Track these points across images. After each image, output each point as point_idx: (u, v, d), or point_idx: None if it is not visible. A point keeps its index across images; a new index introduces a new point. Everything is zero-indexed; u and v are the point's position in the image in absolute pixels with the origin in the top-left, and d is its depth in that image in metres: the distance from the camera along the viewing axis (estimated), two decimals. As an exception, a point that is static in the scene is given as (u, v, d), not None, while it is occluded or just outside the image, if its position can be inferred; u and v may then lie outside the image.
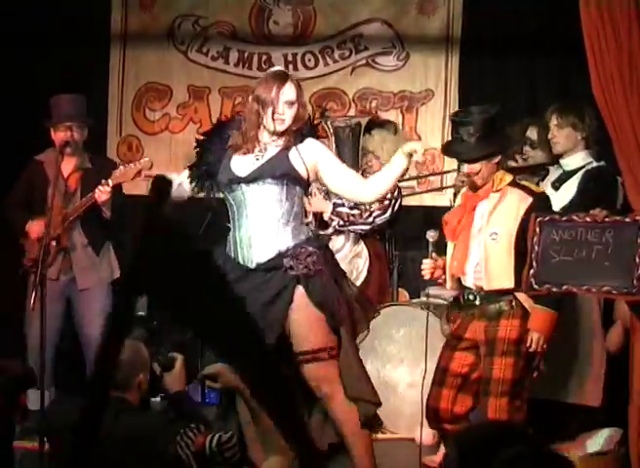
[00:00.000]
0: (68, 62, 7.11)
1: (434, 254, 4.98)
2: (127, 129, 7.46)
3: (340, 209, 6.37)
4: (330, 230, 6.53)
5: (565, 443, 5.11)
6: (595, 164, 5.46)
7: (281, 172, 4.64)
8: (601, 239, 4.26)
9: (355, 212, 6.33)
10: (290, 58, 7.33)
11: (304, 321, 4.56)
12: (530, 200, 4.76)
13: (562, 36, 6.61)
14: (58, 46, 7.12)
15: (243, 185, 4.66)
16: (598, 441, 5.04)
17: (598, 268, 4.24)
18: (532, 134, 5.92)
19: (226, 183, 4.70)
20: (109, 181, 5.86)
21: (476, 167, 4.82)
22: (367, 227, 6.34)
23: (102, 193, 5.85)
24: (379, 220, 6.32)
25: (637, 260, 4.23)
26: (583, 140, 5.47)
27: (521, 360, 4.75)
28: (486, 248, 4.81)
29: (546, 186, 5.60)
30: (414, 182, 7.21)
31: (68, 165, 6.05)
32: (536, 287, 4.34)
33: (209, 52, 7.40)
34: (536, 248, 4.29)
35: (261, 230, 4.64)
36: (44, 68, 7.07)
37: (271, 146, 4.70)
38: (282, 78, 4.69)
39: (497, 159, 4.86)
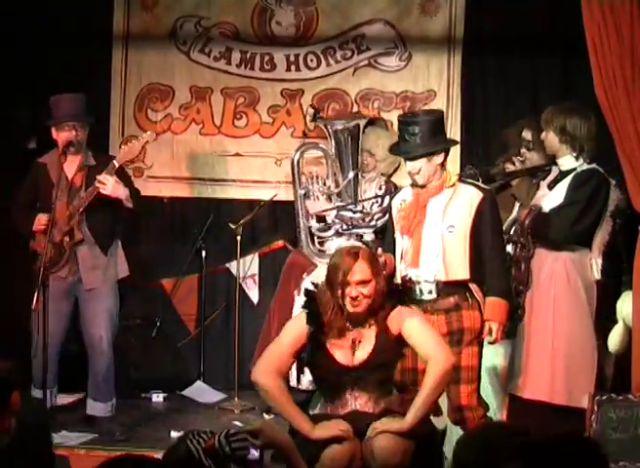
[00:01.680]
0: (70, 63, 7.11)
1: (379, 250, 5.08)
2: (129, 129, 7.44)
3: (343, 212, 6.37)
4: (331, 232, 6.53)
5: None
6: (586, 166, 5.44)
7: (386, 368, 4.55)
8: None
9: (358, 215, 6.34)
10: (292, 58, 7.32)
11: None
12: (481, 195, 5.04)
13: (564, 36, 6.60)
14: (59, 46, 7.12)
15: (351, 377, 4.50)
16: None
17: None
18: (527, 135, 5.90)
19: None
20: (114, 164, 5.85)
21: (416, 165, 5.06)
22: (370, 230, 6.34)
23: (104, 184, 5.85)
24: (380, 223, 6.32)
25: None
26: (567, 144, 5.43)
27: (481, 348, 5.09)
28: (443, 241, 5.03)
29: (543, 186, 5.59)
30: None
31: (72, 164, 6.04)
32: None
33: (211, 52, 7.39)
34: (594, 425, 4.36)
35: None
36: (46, 69, 7.08)
37: (364, 330, 4.51)
38: (352, 257, 4.46)
39: (439, 159, 5.08)
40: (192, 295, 7.27)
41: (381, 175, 6.70)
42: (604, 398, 4.49)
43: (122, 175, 6.05)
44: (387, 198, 6.41)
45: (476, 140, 7.10)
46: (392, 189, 6.51)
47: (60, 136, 6.02)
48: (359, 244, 4.80)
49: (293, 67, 7.32)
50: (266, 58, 7.35)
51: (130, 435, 6.03)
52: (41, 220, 5.96)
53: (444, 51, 7.13)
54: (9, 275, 6.56)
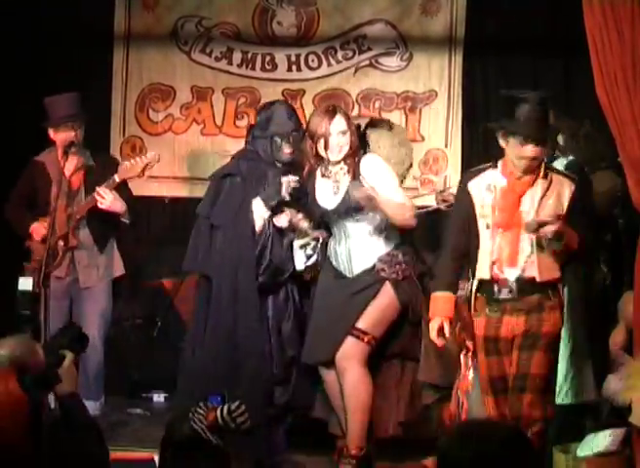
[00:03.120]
0: (70, 63, 7.11)
1: None
2: (130, 129, 7.45)
3: None
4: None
5: (570, 443, 5.10)
6: (565, 161, 5.43)
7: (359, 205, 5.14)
8: None
9: None
10: (293, 58, 7.33)
11: (376, 308, 5.16)
12: (573, 186, 4.65)
13: (565, 36, 6.61)
14: (59, 46, 7.12)
15: (334, 216, 5.27)
16: (603, 441, 5.02)
17: None
18: (560, 139, 5.74)
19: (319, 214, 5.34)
20: (114, 179, 5.85)
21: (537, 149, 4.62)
22: None
23: (103, 198, 5.84)
24: None
25: None
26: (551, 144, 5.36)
27: (556, 356, 4.73)
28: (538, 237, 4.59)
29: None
30: (417, 183, 7.20)
31: (70, 164, 6.03)
32: None
33: (212, 52, 7.39)
34: None
35: (359, 244, 5.22)
36: (46, 69, 7.07)
37: (340, 175, 5.27)
38: (332, 112, 5.26)
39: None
40: (193, 295, 7.26)
41: None
42: None
43: (123, 188, 6.04)
44: None
45: (477, 140, 7.09)
46: None
47: (59, 136, 6.01)
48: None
49: (294, 67, 7.33)
50: (267, 58, 7.35)
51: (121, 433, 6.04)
52: (41, 229, 5.95)
53: (445, 51, 7.14)
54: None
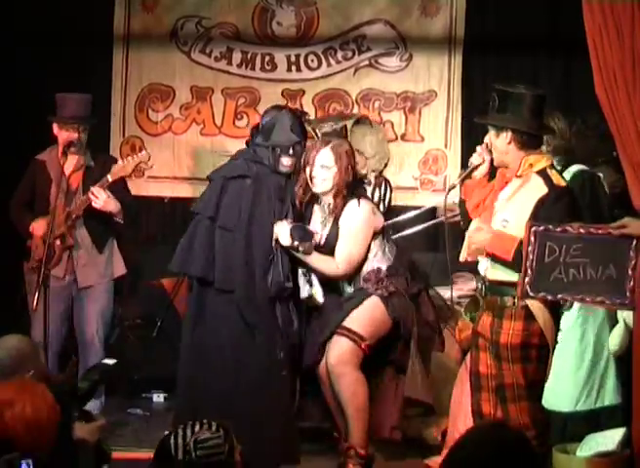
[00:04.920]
0: (70, 63, 7.11)
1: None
2: (130, 129, 7.45)
3: None
4: None
5: (570, 444, 5.10)
6: (577, 168, 5.42)
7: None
8: (595, 250, 4.28)
9: None
10: (293, 58, 7.33)
11: (367, 310, 5.18)
12: (544, 191, 4.43)
13: (565, 36, 6.61)
14: (60, 46, 7.12)
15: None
16: (603, 441, 5.02)
17: (592, 279, 4.26)
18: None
19: None
20: (107, 178, 5.86)
21: (487, 138, 4.63)
22: None
23: (96, 197, 5.84)
24: None
25: (629, 273, 4.25)
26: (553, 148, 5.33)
27: (530, 364, 4.47)
28: None
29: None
30: (417, 183, 7.21)
31: (70, 163, 6.03)
32: (531, 294, 4.33)
33: (212, 52, 7.40)
34: (530, 256, 4.28)
35: None
36: (47, 69, 7.08)
37: (328, 211, 5.26)
38: (324, 144, 5.24)
39: (507, 137, 4.52)
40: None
41: (372, 171, 6.66)
42: (541, 229, 4.29)
43: (121, 188, 6.05)
44: (388, 195, 6.42)
45: (477, 141, 7.08)
46: (382, 184, 6.51)
47: (63, 134, 6.02)
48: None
49: (293, 67, 7.33)
50: (267, 58, 7.35)
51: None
52: (41, 227, 5.96)
53: (444, 51, 7.14)
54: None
